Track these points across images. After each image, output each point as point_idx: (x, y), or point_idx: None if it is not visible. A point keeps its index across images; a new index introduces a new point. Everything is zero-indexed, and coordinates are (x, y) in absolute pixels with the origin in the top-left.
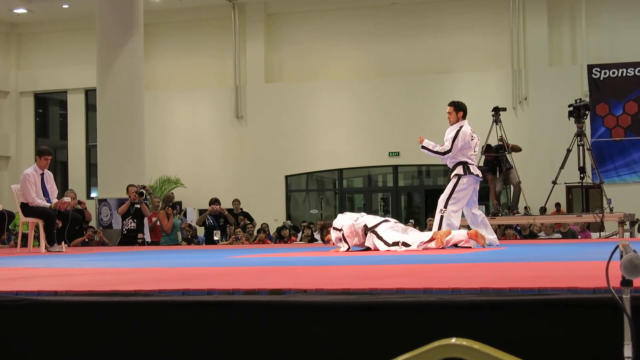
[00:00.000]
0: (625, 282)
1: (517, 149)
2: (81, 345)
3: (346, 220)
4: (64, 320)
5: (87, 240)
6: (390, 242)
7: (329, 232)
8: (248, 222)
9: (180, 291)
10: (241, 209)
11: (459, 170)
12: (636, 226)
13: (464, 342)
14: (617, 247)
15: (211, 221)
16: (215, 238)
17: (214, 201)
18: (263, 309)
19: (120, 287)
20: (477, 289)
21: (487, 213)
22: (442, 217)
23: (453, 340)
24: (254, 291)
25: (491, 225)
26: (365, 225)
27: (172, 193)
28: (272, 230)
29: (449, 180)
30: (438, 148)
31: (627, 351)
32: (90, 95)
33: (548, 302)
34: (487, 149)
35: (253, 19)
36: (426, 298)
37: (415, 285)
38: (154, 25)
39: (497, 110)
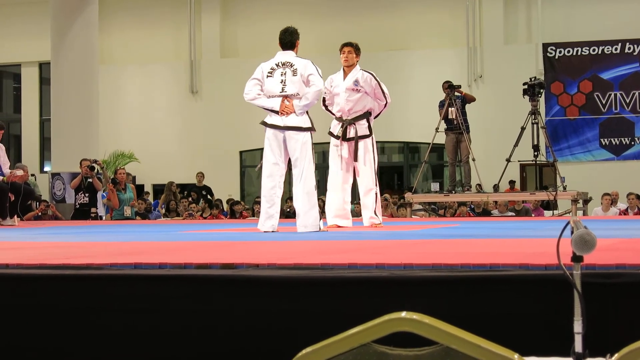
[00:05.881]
0: (576, 258)
1: (471, 99)
2: (31, 318)
3: None
4: (15, 292)
5: (39, 214)
6: None
7: None
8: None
9: (132, 265)
10: (204, 184)
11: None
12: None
13: (415, 315)
14: (567, 223)
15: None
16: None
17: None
18: (215, 283)
19: (72, 261)
20: (429, 265)
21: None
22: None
23: (403, 314)
24: (206, 265)
25: (446, 202)
26: None
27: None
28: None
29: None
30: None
31: (577, 327)
32: (44, 68)
33: (499, 278)
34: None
35: None
36: (378, 273)
37: (367, 261)
38: None
39: (451, 88)
